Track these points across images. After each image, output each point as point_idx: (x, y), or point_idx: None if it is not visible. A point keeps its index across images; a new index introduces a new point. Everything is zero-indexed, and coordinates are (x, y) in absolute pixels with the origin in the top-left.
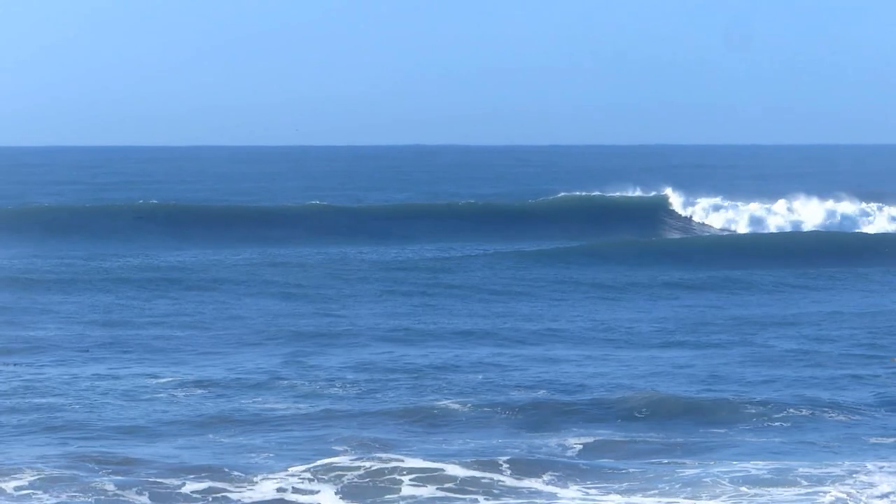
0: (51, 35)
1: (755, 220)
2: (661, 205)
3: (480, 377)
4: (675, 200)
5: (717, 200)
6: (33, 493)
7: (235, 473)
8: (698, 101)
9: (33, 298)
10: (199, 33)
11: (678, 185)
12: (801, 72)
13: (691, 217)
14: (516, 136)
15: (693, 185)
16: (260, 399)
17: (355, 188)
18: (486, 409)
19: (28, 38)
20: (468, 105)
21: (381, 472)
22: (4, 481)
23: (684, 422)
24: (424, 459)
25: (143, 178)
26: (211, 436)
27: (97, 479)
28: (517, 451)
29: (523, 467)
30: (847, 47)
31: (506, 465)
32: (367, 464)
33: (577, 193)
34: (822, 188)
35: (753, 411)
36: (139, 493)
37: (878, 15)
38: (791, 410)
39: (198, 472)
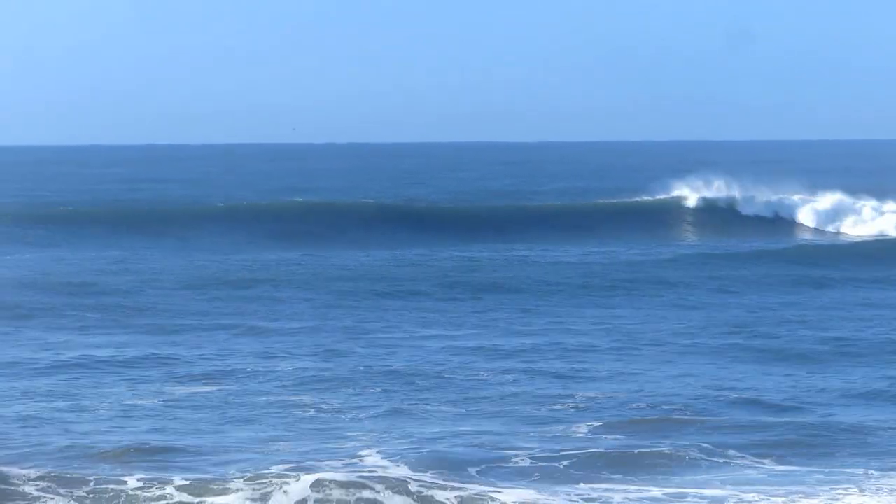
0: (74, 35)
1: None
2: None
3: None
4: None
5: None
6: None
7: None
8: (698, 98)
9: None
10: (213, 35)
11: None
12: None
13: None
14: (512, 133)
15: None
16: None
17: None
18: None
19: (57, 36)
20: (476, 103)
21: None
22: None
23: None
24: None
25: (207, 177)
26: None
27: None
28: None
29: None
30: (854, 43)
31: None
32: None
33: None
34: None
35: None
36: None
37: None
38: None
39: None
